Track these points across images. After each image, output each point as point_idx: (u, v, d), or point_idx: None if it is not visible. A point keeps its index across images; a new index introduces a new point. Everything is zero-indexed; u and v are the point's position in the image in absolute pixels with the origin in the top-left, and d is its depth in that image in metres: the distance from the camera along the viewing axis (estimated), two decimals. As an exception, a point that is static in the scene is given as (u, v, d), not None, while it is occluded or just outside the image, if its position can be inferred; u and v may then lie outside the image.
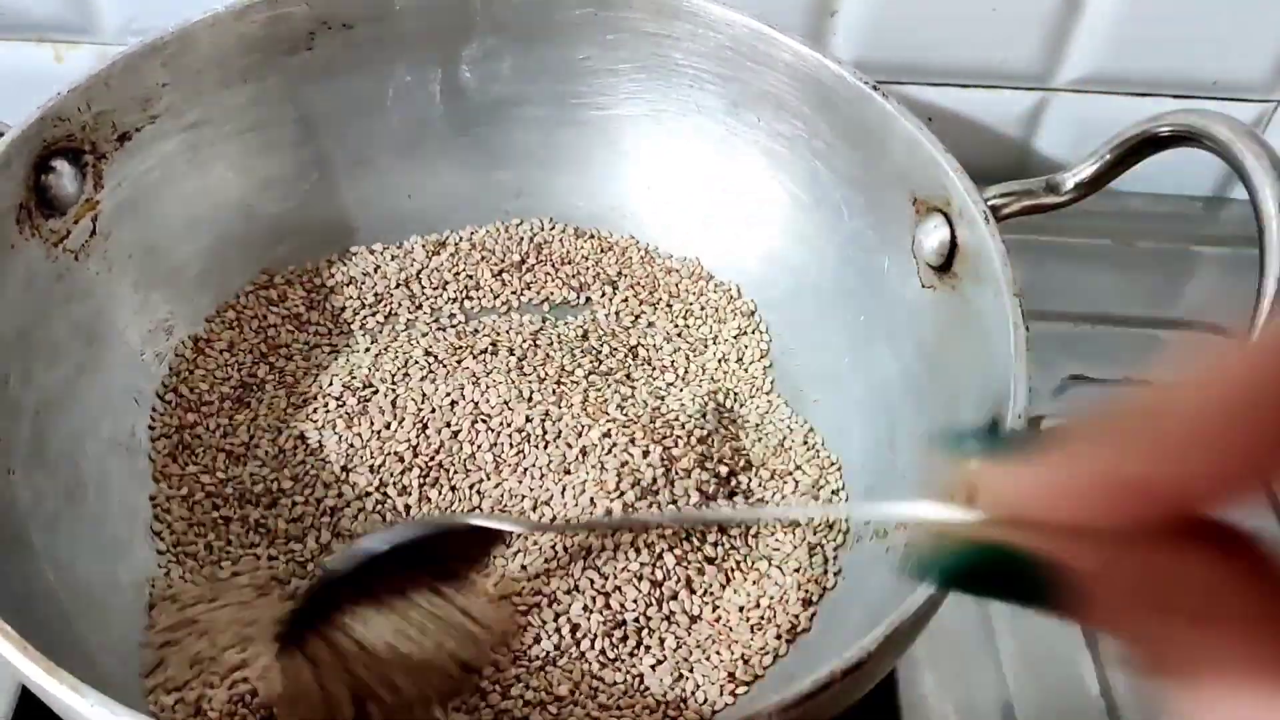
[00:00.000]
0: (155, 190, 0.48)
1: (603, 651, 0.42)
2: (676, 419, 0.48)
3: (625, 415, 0.47)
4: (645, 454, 0.45)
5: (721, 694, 0.41)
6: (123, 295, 0.48)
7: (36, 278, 0.44)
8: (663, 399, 0.50)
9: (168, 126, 0.48)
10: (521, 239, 0.55)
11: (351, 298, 0.52)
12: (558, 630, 0.42)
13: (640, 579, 0.43)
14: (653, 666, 0.42)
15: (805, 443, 0.48)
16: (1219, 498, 0.16)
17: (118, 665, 0.40)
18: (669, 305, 0.53)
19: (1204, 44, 0.58)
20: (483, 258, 0.54)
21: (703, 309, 0.53)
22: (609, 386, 0.49)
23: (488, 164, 0.55)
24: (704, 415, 0.49)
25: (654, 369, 0.51)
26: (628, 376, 0.50)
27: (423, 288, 0.53)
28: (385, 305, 0.53)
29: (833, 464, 0.48)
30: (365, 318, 0.52)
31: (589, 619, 0.42)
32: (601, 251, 0.55)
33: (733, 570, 0.44)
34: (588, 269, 0.54)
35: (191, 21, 0.47)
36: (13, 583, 0.37)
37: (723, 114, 0.52)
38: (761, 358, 0.51)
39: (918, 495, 0.18)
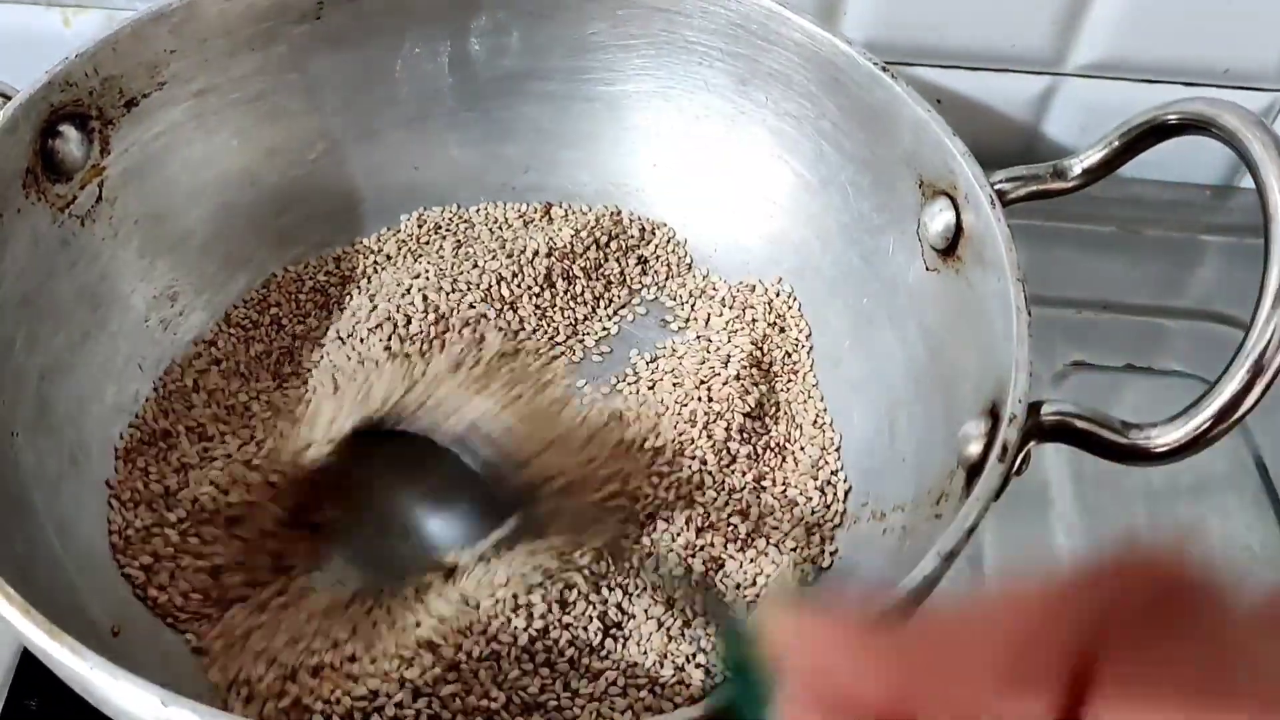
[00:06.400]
0: (162, 157, 0.48)
1: (601, 628, 0.42)
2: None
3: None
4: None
5: (723, 666, 0.42)
6: (128, 261, 0.48)
7: (42, 242, 0.44)
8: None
9: (175, 94, 0.48)
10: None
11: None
12: (551, 608, 0.42)
13: (638, 556, 0.44)
14: (651, 643, 0.42)
15: (815, 422, 0.48)
16: None
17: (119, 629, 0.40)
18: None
19: (1215, 32, 0.57)
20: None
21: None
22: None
23: (495, 138, 0.55)
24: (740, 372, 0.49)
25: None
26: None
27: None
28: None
29: (834, 445, 0.48)
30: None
31: (586, 595, 0.42)
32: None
33: (730, 548, 0.45)
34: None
35: (201, -12, 0.47)
36: (15, 545, 0.37)
37: (731, 92, 0.52)
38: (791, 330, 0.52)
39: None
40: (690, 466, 0.46)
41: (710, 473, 0.46)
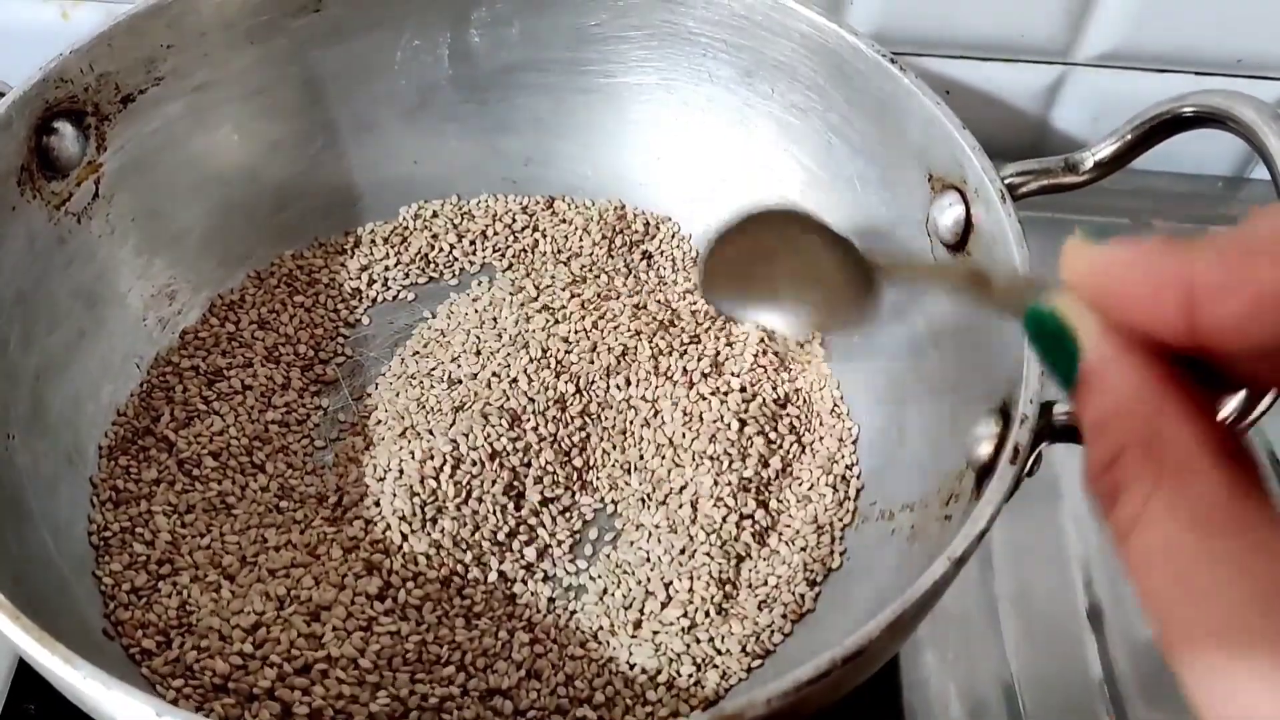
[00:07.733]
0: (159, 153, 0.48)
1: (621, 626, 0.42)
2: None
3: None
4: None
5: (737, 667, 0.41)
6: (125, 259, 0.47)
7: (38, 240, 0.43)
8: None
9: (172, 88, 0.47)
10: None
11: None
12: (571, 604, 0.42)
13: (658, 555, 0.43)
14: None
15: (833, 410, 0.48)
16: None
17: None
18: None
19: (1228, 21, 0.56)
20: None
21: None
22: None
23: (495, 130, 0.54)
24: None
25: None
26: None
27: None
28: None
29: (851, 437, 0.47)
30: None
31: (609, 594, 0.42)
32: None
33: (749, 545, 0.44)
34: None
35: (197, -19, 0.46)
36: (10, 548, 0.37)
37: (735, 84, 0.51)
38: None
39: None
40: (697, 459, 0.45)
41: (721, 467, 0.45)
